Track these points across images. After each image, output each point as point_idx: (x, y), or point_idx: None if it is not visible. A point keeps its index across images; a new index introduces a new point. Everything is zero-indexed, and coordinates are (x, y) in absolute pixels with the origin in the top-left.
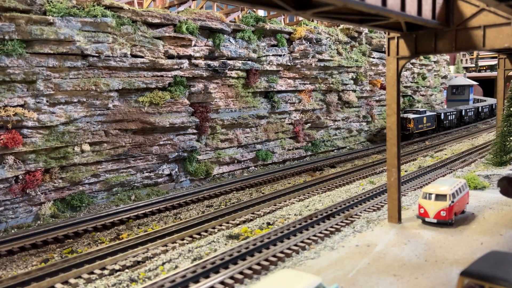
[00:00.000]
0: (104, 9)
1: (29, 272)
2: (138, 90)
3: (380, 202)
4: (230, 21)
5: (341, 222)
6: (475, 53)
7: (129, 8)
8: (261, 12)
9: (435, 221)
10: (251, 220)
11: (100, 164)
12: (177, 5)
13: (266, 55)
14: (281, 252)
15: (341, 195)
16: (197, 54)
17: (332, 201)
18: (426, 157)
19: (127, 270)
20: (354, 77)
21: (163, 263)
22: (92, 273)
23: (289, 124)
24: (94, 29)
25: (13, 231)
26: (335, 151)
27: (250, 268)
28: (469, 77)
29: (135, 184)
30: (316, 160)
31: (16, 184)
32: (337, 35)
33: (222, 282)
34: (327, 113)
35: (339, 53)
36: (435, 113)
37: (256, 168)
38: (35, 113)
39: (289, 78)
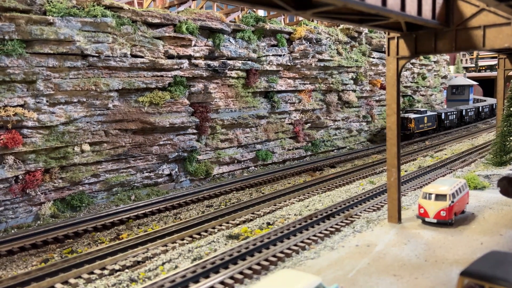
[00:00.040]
0: (104, 9)
1: (29, 272)
2: (138, 90)
3: (380, 202)
4: (230, 21)
5: (341, 222)
6: (475, 53)
7: (129, 8)
8: (261, 12)
9: (435, 221)
10: (251, 220)
11: (100, 164)
12: (177, 5)
13: (266, 55)
14: (281, 252)
15: (341, 195)
16: (197, 54)
17: (332, 201)
18: (426, 157)
19: (127, 270)
20: (354, 77)
21: (163, 263)
22: (92, 273)
23: (289, 124)
24: (94, 29)
25: (13, 231)
26: (335, 151)
27: (250, 268)
28: (469, 77)
29: (135, 184)
30: (316, 160)
31: (16, 184)
32: (337, 35)
33: (222, 282)
34: (327, 113)
35: (339, 53)
36: (436, 113)
37: (256, 168)
38: (35, 113)
39: (289, 78)
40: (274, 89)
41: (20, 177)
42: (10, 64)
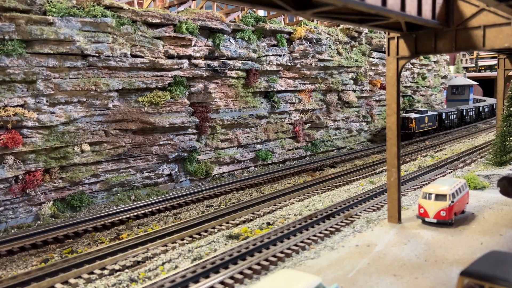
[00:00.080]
0: (104, 9)
1: (29, 272)
2: (138, 90)
3: (380, 202)
4: (230, 21)
5: (341, 222)
6: (475, 53)
7: (129, 8)
8: (261, 12)
9: (435, 221)
10: (251, 220)
11: (100, 164)
12: (177, 5)
13: (266, 55)
14: (281, 252)
15: (341, 195)
16: (197, 54)
17: (332, 201)
18: (426, 157)
19: (127, 270)
20: (354, 77)
21: (163, 263)
22: (92, 273)
23: (289, 124)
24: (94, 29)
25: (13, 231)
26: (335, 151)
27: (250, 268)
28: (469, 77)
29: (135, 184)
30: (316, 160)
31: (16, 184)
32: (337, 35)
33: (222, 282)
34: (327, 113)
35: (339, 53)
36: (437, 112)
37: (256, 168)
38: (35, 113)
39: (289, 78)
40: (274, 89)
41: (20, 177)
42: (10, 64)
